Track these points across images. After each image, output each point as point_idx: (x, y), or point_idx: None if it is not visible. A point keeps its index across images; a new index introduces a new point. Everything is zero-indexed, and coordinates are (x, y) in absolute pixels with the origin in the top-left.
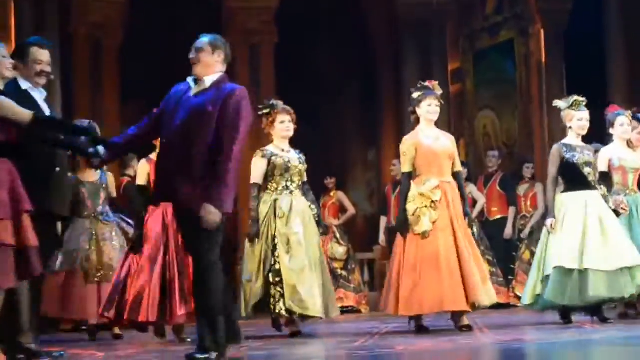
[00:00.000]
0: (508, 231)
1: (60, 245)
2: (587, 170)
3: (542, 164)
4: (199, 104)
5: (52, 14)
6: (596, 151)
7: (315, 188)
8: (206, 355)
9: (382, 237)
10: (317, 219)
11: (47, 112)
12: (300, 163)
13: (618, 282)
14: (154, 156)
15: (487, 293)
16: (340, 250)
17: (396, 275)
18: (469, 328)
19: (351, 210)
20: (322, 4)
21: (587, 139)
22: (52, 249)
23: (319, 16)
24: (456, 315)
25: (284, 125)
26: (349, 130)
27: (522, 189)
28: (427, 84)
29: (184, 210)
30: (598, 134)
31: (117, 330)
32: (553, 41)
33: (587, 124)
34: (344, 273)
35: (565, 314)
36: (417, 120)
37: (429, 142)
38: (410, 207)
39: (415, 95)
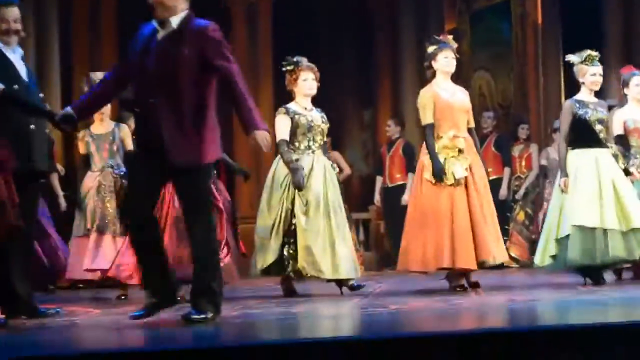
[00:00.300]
0: (503, 192)
1: (79, 207)
2: (598, 127)
3: (537, 124)
4: (172, 49)
5: None
6: (610, 107)
7: None
8: (203, 316)
9: (377, 197)
10: (338, 178)
11: (24, 72)
12: (322, 122)
13: (631, 243)
14: None
15: (501, 250)
16: None
17: (411, 230)
18: (476, 285)
19: (347, 170)
20: None
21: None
22: (33, 205)
23: None
24: (454, 275)
25: (307, 83)
26: (346, 91)
27: (517, 150)
28: (441, 37)
29: (178, 169)
30: (596, 94)
31: (122, 291)
32: (549, 2)
33: (601, 79)
34: None
35: (591, 274)
36: (433, 75)
37: (446, 96)
38: (429, 161)
39: (431, 49)
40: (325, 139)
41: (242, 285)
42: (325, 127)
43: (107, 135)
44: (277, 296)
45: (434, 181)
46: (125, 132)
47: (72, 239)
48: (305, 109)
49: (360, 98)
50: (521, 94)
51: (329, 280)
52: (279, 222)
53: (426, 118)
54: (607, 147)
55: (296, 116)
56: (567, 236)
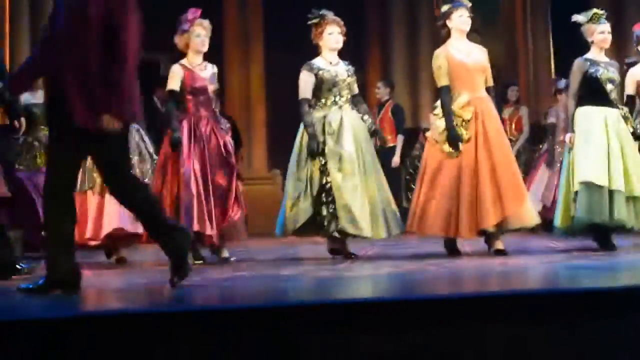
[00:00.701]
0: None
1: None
2: (609, 86)
3: (526, 87)
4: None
5: None
6: (631, 64)
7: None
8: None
9: None
10: (371, 129)
11: None
12: (348, 75)
13: (634, 210)
14: (186, 62)
15: (523, 215)
16: None
17: (418, 192)
18: (503, 252)
19: None
20: None
21: (567, 66)
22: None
23: None
24: (453, 240)
25: (332, 37)
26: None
27: (506, 113)
28: None
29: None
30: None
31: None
32: None
33: (610, 37)
34: None
35: (602, 238)
36: (448, 34)
37: (460, 56)
38: (440, 124)
39: (445, 7)
40: (354, 91)
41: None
42: (352, 80)
43: None
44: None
45: (438, 142)
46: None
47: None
48: (331, 63)
49: (350, 61)
50: (510, 57)
51: (365, 238)
52: (310, 180)
53: (440, 80)
54: (617, 107)
55: (320, 72)
56: (576, 193)
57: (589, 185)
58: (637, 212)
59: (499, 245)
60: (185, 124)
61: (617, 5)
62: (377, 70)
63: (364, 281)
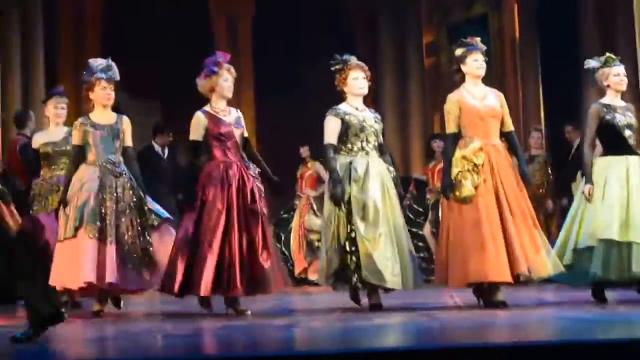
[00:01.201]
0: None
1: (64, 205)
2: (627, 132)
3: (517, 135)
4: None
5: None
6: None
7: (292, 157)
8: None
9: None
10: (396, 182)
11: None
12: (375, 122)
13: None
14: (210, 108)
15: (539, 265)
16: (317, 221)
17: (443, 244)
18: (504, 304)
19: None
20: None
21: (565, 110)
22: None
23: None
24: (487, 290)
25: (357, 82)
26: (326, 99)
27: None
28: (469, 39)
29: None
30: (574, 107)
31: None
32: (527, 16)
33: (625, 79)
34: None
35: (599, 291)
36: (462, 79)
37: (473, 102)
38: (452, 171)
39: (459, 52)
40: (380, 139)
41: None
42: (379, 127)
43: (113, 127)
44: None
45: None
46: (127, 125)
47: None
48: (357, 109)
49: None
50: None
51: (386, 289)
52: (338, 229)
53: (449, 126)
54: (637, 154)
55: (347, 116)
56: (588, 248)
57: (607, 242)
58: None
59: (500, 296)
60: (214, 172)
61: (608, 46)
62: None
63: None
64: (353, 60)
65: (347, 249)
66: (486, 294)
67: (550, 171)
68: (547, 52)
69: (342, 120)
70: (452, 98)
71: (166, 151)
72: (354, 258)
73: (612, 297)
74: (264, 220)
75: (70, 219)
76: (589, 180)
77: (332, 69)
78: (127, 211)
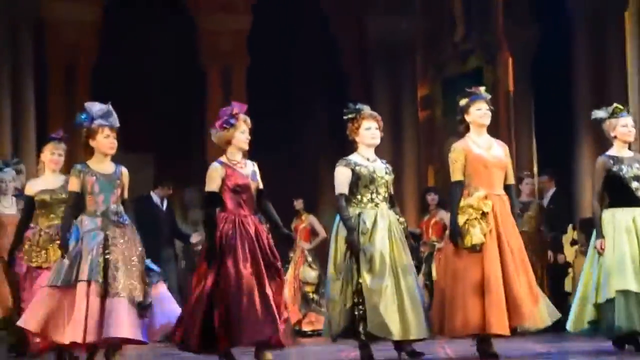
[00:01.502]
0: None
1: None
2: (635, 184)
3: None
4: None
5: (26, 38)
6: None
7: (286, 210)
8: None
9: None
10: (406, 233)
11: None
12: (386, 173)
13: None
14: (226, 160)
15: (537, 315)
16: (312, 274)
17: (441, 294)
18: (495, 357)
19: (322, 233)
20: (293, 29)
21: (558, 162)
22: None
23: (291, 40)
24: (485, 341)
25: (369, 132)
26: (319, 153)
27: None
28: (473, 89)
29: None
30: (566, 162)
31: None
32: (521, 69)
33: (634, 130)
34: (316, 297)
35: (621, 341)
36: (467, 129)
37: (479, 151)
38: (459, 219)
39: (463, 102)
40: (391, 191)
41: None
42: (390, 178)
43: (112, 176)
44: None
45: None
46: (126, 176)
47: (41, 288)
48: (368, 159)
49: (334, 161)
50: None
51: (396, 342)
52: (345, 281)
53: (454, 175)
54: None
55: (357, 167)
56: (609, 301)
57: (626, 294)
58: None
59: (493, 348)
60: (229, 224)
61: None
62: None
63: None
64: (366, 109)
65: (355, 300)
66: (480, 344)
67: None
68: (540, 104)
69: (353, 170)
70: (458, 147)
71: (165, 203)
72: (360, 310)
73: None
74: (282, 276)
75: (67, 267)
76: (599, 234)
77: (345, 117)
78: (133, 263)
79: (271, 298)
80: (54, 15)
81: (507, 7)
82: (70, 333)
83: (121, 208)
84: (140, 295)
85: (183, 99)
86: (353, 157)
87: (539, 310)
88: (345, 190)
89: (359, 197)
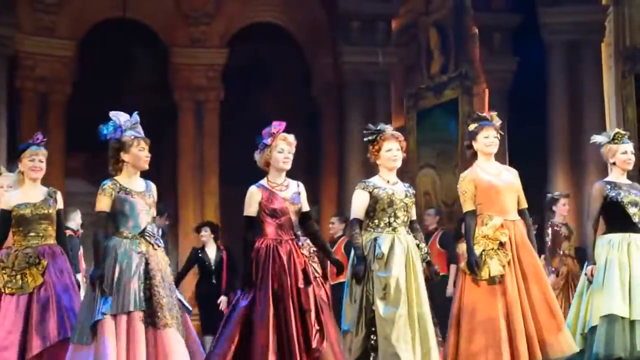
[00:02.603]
0: (450, 289)
1: (100, 278)
2: (632, 210)
3: None
4: None
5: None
6: None
7: None
8: None
9: None
10: (425, 259)
11: None
12: (406, 196)
13: None
14: (266, 182)
15: (562, 343)
16: None
17: (456, 327)
18: None
19: None
20: (267, 61)
21: (532, 191)
22: None
23: (264, 73)
24: None
25: (390, 154)
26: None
27: (461, 248)
28: (484, 114)
29: None
30: (542, 192)
31: None
32: (497, 101)
33: (633, 158)
34: None
35: None
36: (474, 155)
37: (489, 178)
38: (475, 250)
39: (472, 127)
40: (412, 216)
41: None
42: (410, 202)
43: (145, 193)
44: None
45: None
46: (155, 193)
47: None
48: (388, 182)
49: (308, 191)
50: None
51: None
52: (360, 309)
53: (465, 205)
54: None
55: (375, 190)
56: (593, 329)
57: (609, 319)
58: None
59: None
60: (262, 251)
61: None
62: (333, 204)
63: None
64: (388, 130)
65: (369, 329)
66: None
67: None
68: (515, 135)
69: (370, 194)
70: (466, 177)
71: (161, 233)
72: (372, 341)
73: None
74: (319, 301)
75: (104, 299)
76: (591, 261)
77: (365, 139)
78: (172, 290)
79: (294, 334)
80: (28, 50)
81: (483, 39)
82: None
83: (155, 229)
84: (180, 323)
85: (156, 132)
86: (373, 180)
87: (564, 337)
88: (360, 215)
89: (376, 221)
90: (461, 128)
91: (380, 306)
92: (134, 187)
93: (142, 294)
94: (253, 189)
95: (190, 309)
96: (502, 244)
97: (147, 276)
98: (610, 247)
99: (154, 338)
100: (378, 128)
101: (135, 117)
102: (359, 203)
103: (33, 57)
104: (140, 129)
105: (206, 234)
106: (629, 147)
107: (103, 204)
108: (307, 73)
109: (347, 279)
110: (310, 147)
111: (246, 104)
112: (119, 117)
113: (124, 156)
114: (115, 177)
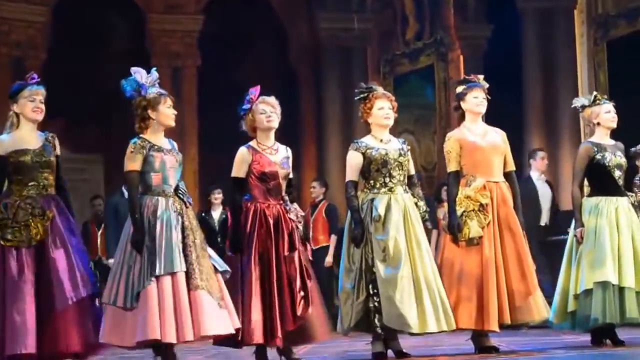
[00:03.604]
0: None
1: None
2: (617, 173)
3: None
4: None
5: None
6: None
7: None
8: None
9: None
10: (424, 217)
11: None
12: (400, 154)
13: None
14: (255, 144)
15: (532, 308)
16: None
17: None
18: (495, 350)
19: None
20: (244, 28)
21: None
22: None
23: (241, 39)
24: (478, 335)
25: (383, 112)
26: None
27: (441, 212)
28: (471, 77)
29: None
30: (517, 158)
31: None
32: (472, 67)
33: (616, 116)
34: None
35: (599, 336)
36: (462, 117)
37: (474, 138)
38: (457, 210)
39: (460, 88)
40: (411, 172)
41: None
42: (405, 159)
43: (173, 151)
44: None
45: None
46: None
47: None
48: (381, 141)
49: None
50: (444, 156)
51: (384, 340)
52: (359, 272)
53: (450, 165)
54: (626, 195)
55: (368, 150)
56: (586, 292)
57: (603, 285)
58: None
59: (489, 341)
60: (250, 213)
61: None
62: (313, 168)
63: None
64: (379, 89)
65: (371, 291)
66: (477, 339)
67: None
68: (490, 101)
69: (364, 154)
70: (452, 137)
71: None
72: (375, 303)
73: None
74: (304, 267)
75: (147, 265)
76: (578, 222)
77: (357, 98)
78: (204, 250)
79: (275, 301)
80: (3, 15)
81: (458, 5)
82: (164, 333)
83: (185, 187)
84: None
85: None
86: (365, 140)
87: (535, 302)
88: (355, 177)
89: (372, 182)
90: (438, 94)
91: (381, 268)
92: (163, 144)
93: (182, 253)
94: (243, 150)
95: (227, 269)
96: (482, 206)
97: (184, 234)
98: (599, 211)
99: (188, 299)
100: (369, 87)
101: (155, 73)
102: (352, 164)
103: (8, 23)
104: (159, 85)
105: (220, 196)
106: (610, 106)
107: (134, 163)
108: (284, 39)
109: (344, 243)
110: (289, 113)
111: (224, 71)
112: (140, 73)
113: (152, 114)
114: (142, 135)
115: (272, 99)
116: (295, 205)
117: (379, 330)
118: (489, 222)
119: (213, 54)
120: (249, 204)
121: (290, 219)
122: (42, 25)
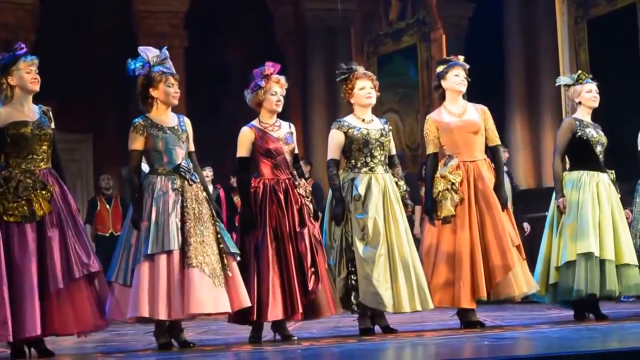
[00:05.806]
0: (416, 230)
1: (137, 217)
2: (598, 149)
3: None
4: None
5: None
6: None
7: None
8: None
9: None
10: (404, 196)
11: None
12: (382, 134)
13: (623, 277)
14: (257, 123)
15: (512, 284)
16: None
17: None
18: (480, 325)
19: None
20: (230, 9)
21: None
22: None
23: (227, 20)
24: (463, 311)
25: (364, 92)
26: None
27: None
28: (451, 57)
29: None
30: (499, 132)
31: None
32: (454, 46)
33: (598, 96)
34: None
35: (582, 310)
36: (443, 96)
37: (450, 119)
38: (433, 191)
39: (440, 68)
40: (391, 152)
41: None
42: (386, 139)
43: (178, 129)
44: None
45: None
46: (190, 126)
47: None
48: (363, 120)
49: None
50: None
51: (371, 316)
52: (340, 250)
53: (428, 147)
54: (606, 171)
55: (350, 130)
56: (568, 263)
57: (586, 257)
58: (625, 278)
59: (474, 316)
60: (260, 190)
61: (532, 72)
62: (299, 147)
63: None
64: (360, 69)
65: (349, 269)
66: (462, 315)
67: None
68: (473, 80)
69: (345, 134)
70: (429, 119)
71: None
72: (353, 280)
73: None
74: (313, 242)
75: (142, 243)
76: (560, 193)
77: (338, 79)
78: (206, 227)
79: (293, 275)
80: None
81: None
82: (155, 310)
83: (191, 164)
84: (218, 263)
85: (121, 80)
86: (347, 119)
87: (515, 278)
88: (336, 156)
89: (353, 161)
90: (420, 74)
91: (359, 247)
92: (165, 122)
93: (180, 231)
94: (245, 130)
95: (237, 251)
96: (454, 185)
97: (183, 212)
98: (582, 185)
99: (181, 277)
100: (350, 67)
101: (165, 52)
102: (334, 143)
103: None
104: (170, 64)
105: (210, 174)
106: (593, 86)
107: (136, 142)
108: (270, 20)
109: (325, 220)
110: None
111: (210, 51)
112: (147, 52)
113: (153, 92)
114: (146, 114)
115: (284, 80)
116: (304, 180)
117: (354, 307)
118: (462, 200)
119: (199, 34)
120: (258, 180)
121: (299, 194)
122: (30, 7)
